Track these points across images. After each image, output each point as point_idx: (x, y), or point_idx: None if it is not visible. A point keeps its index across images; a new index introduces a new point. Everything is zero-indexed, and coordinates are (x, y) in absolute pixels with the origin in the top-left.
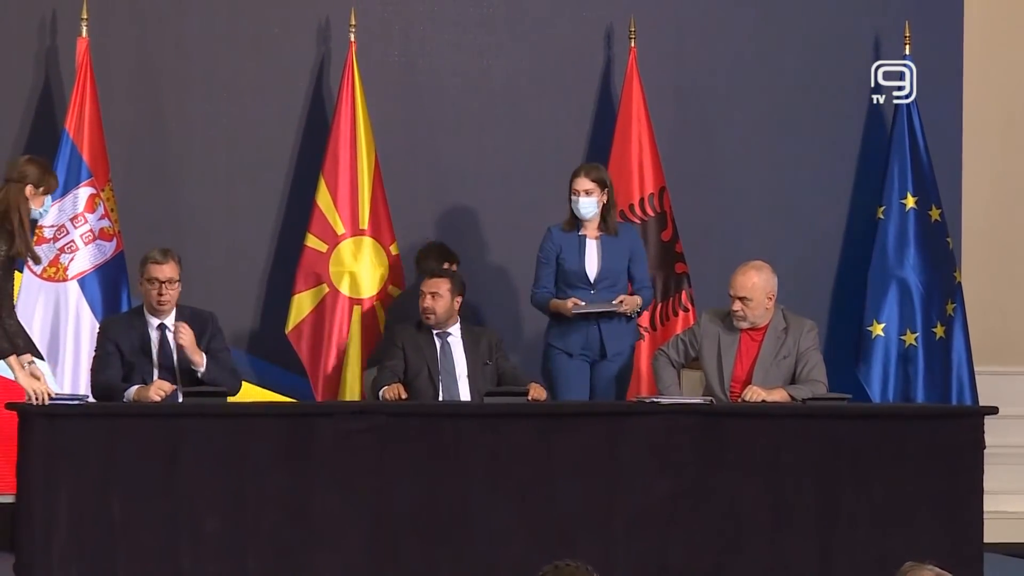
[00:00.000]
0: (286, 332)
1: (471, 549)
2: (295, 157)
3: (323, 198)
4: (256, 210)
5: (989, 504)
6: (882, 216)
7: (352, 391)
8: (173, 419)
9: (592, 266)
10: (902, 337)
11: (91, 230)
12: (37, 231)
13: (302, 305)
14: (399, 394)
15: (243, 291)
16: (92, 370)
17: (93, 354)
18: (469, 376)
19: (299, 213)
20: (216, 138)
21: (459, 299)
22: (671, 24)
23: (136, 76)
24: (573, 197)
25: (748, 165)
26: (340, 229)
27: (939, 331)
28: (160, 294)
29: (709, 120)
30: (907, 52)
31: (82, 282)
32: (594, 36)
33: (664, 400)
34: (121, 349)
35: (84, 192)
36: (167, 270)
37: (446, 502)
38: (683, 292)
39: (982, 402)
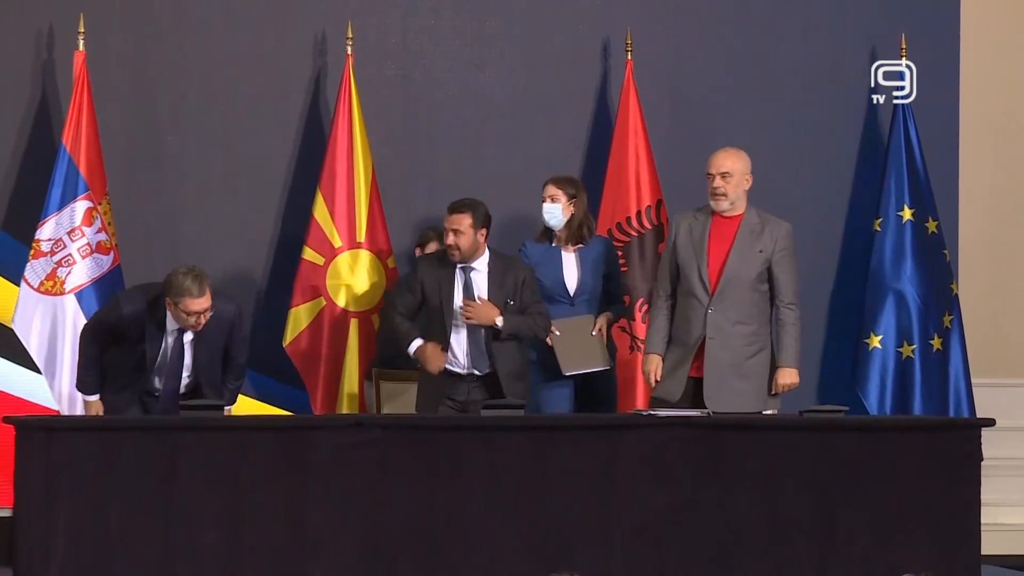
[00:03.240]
0: (284, 345)
1: (468, 563)
2: (292, 170)
3: (320, 211)
4: (253, 223)
5: (987, 516)
6: (879, 228)
7: (350, 404)
8: (171, 433)
9: (571, 279)
10: (899, 349)
11: (88, 243)
12: (35, 245)
13: (299, 318)
14: (435, 360)
15: (240, 304)
16: (82, 367)
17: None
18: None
19: (296, 226)
20: (213, 151)
21: (484, 231)
22: (667, 37)
23: (133, 90)
24: (542, 204)
25: None
26: (337, 242)
27: (936, 343)
28: (197, 323)
29: (705, 133)
30: (904, 66)
31: (79, 295)
32: (591, 49)
33: (661, 413)
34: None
35: (81, 206)
36: (204, 302)
37: (443, 515)
38: None
39: (979, 414)
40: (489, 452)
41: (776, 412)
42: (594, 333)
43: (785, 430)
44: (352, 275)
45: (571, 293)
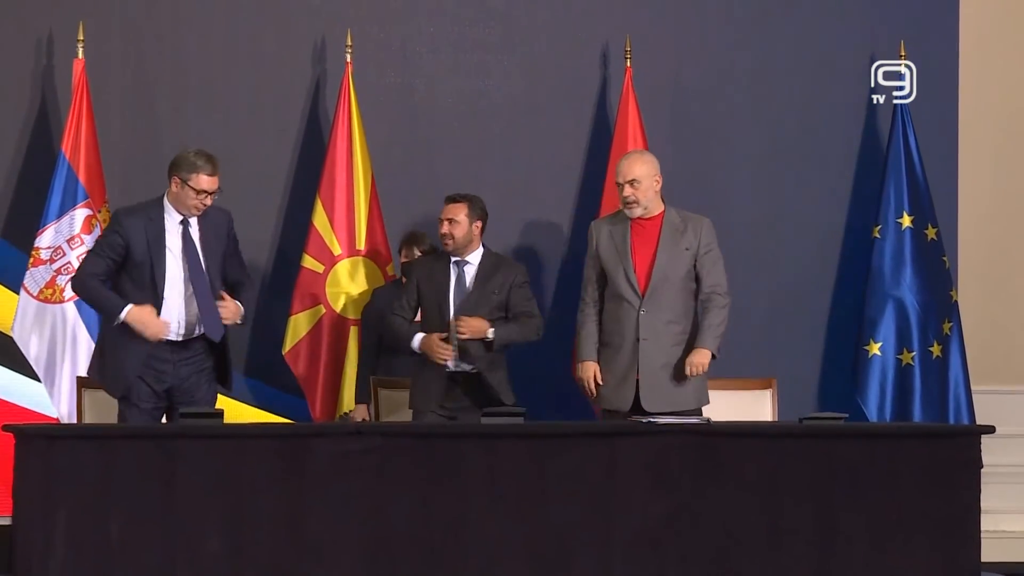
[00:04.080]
0: (283, 353)
1: (467, 570)
2: (291, 178)
3: (320, 219)
4: (253, 231)
5: (987, 524)
6: (878, 235)
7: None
8: (170, 440)
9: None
10: (899, 356)
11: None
12: (34, 253)
13: (299, 326)
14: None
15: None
16: (83, 262)
17: (95, 244)
18: (458, 307)
19: (296, 234)
20: None
21: (479, 224)
22: (667, 44)
23: (132, 98)
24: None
25: (744, 185)
26: (337, 250)
27: (936, 350)
28: (202, 205)
29: (705, 140)
30: (902, 71)
31: (79, 304)
32: (590, 56)
33: (660, 420)
34: (131, 247)
35: (80, 214)
36: (214, 182)
37: (443, 522)
38: None
39: (979, 421)
40: (488, 459)
41: (709, 417)
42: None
43: (784, 437)
44: (352, 283)
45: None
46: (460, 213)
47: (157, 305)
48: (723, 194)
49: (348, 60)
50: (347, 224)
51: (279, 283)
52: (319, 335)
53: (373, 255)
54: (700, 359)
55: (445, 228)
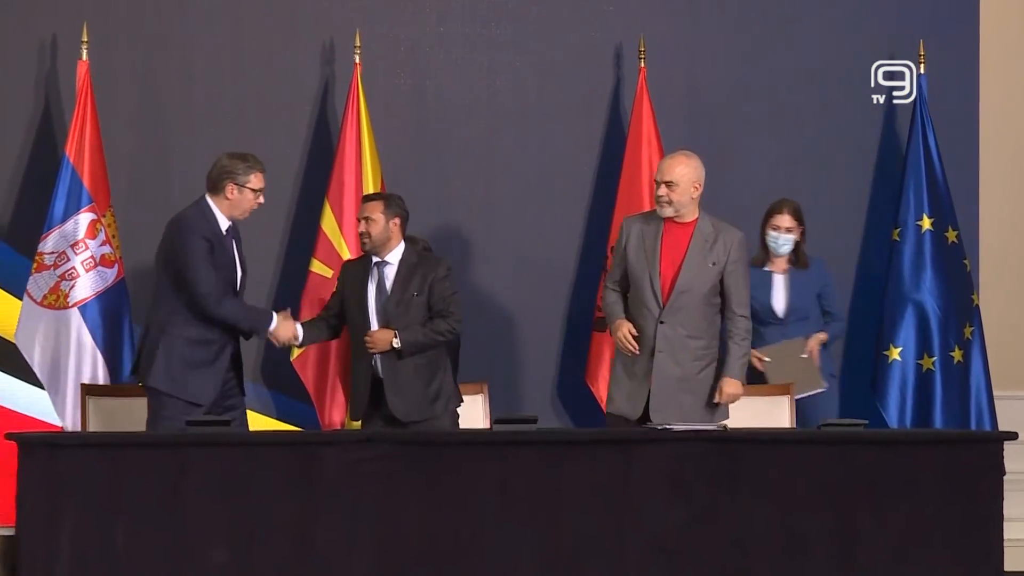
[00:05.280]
0: (291, 360)
1: None
2: (300, 181)
3: (328, 222)
4: (260, 235)
5: (1009, 532)
6: (898, 238)
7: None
8: (178, 448)
9: (780, 302)
10: (919, 361)
11: (92, 256)
12: (37, 258)
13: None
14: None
15: None
16: (205, 280)
17: (195, 256)
18: (379, 310)
19: (304, 238)
20: None
21: (396, 221)
22: (681, 43)
23: (137, 99)
24: (772, 233)
25: (762, 187)
26: (346, 254)
27: (957, 355)
28: (258, 204)
29: (721, 141)
30: (922, 72)
31: (83, 309)
32: (603, 56)
33: (677, 427)
34: (216, 256)
35: (85, 218)
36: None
37: (454, 532)
38: None
39: (1001, 427)
40: (501, 467)
41: (726, 424)
42: (804, 355)
43: (803, 444)
44: None
45: (780, 316)
46: (376, 211)
47: None
48: (739, 197)
49: (357, 61)
50: (356, 228)
51: (287, 288)
52: (328, 341)
53: None
54: (733, 390)
55: (362, 227)
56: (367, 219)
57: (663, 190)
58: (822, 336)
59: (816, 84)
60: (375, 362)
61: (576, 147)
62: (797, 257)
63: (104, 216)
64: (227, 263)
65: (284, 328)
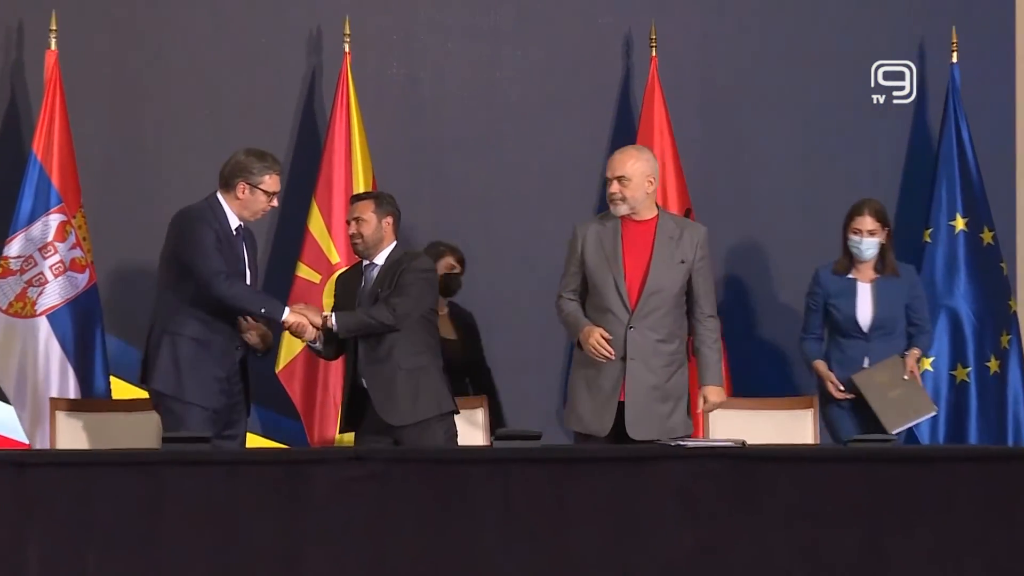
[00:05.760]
0: (276, 372)
1: None
2: (285, 180)
3: (316, 224)
4: None
5: None
6: (929, 239)
7: (349, 436)
8: (155, 467)
9: (865, 314)
10: (953, 372)
11: (61, 261)
12: (2, 262)
13: (294, 342)
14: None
15: None
16: (210, 259)
17: (204, 242)
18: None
19: (290, 241)
20: (198, 159)
21: (388, 220)
22: (695, 31)
23: (110, 92)
24: (854, 237)
25: (780, 183)
26: (335, 258)
27: (993, 365)
28: (270, 206)
29: (737, 135)
30: (954, 60)
31: (52, 318)
32: (612, 44)
33: (689, 443)
34: (222, 248)
35: (54, 219)
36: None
37: (452, 554)
38: None
39: None
40: (502, 485)
41: (744, 439)
42: (906, 377)
43: (828, 461)
44: None
45: (864, 328)
46: (367, 211)
47: None
48: (756, 193)
49: (346, 50)
50: (346, 230)
51: (271, 295)
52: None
53: None
54: (718, 398)
55: (352, 228)
56: (358, 220)
57: (615, 186)
58: (916, 352)
59: (839, 71)
60: (358, 371)
61: (583, 143)
62: (884, 263)
63: (74, 217)
64: (234, 263)
65: (312, 312)
